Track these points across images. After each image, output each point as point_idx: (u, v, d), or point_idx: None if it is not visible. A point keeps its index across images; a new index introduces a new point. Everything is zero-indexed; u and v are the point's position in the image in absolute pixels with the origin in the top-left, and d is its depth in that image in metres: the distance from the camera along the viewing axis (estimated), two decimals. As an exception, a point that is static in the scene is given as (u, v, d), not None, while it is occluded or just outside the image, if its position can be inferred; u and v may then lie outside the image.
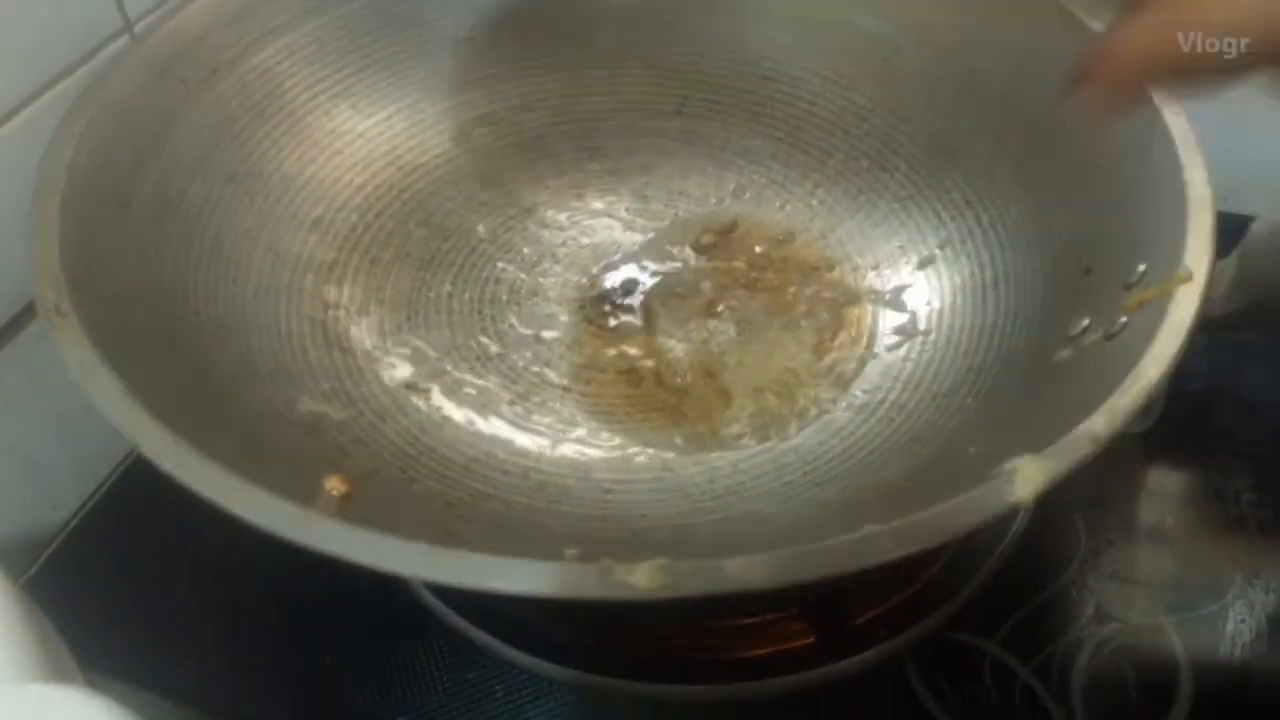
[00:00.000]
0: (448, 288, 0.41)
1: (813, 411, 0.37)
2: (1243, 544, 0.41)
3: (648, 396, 0.38)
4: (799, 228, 0.44)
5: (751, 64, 0.44)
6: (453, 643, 0.38)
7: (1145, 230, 0.32)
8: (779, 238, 0.44)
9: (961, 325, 0.39)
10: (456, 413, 0.37)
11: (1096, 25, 0.33)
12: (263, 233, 0.38)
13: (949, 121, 0.40)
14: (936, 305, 0.40)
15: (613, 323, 0.41)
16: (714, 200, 0.45)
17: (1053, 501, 0.26)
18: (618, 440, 0.37)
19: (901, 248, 0.42)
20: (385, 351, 0.38)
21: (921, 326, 0.39)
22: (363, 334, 0.38)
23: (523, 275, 0.43)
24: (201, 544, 0.38)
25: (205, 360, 0.33)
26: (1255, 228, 0.42)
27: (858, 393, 0.38)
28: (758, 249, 0.43)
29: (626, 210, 0.45)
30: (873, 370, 0.39)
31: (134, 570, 0.41)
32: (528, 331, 0.41)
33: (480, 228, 0.44)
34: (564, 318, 0.41)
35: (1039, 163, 0.36)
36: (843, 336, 0.40)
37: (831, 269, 0.42)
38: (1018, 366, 0.35)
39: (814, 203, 0.44)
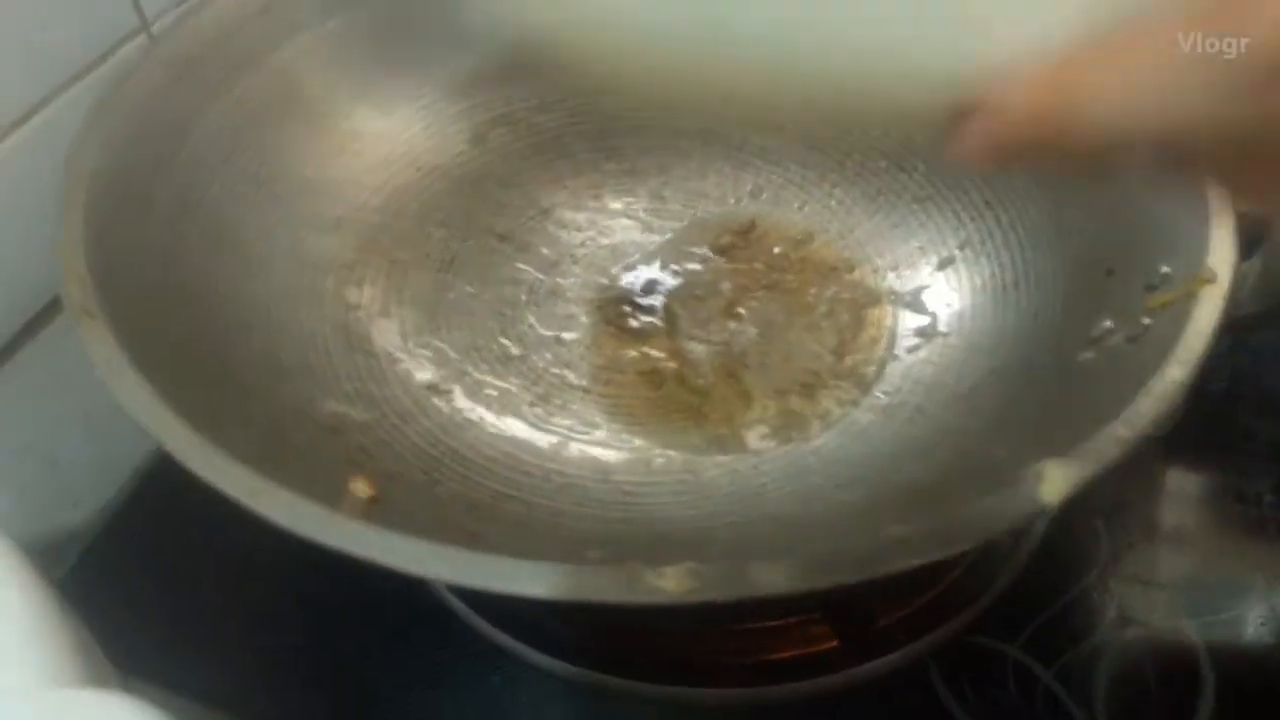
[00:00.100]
0: (468, 289, 0.41)
1: (835, 413, 0.37)
2: (1264, 546, 0.41)
3: (669, 398, 0.38)
4: (817, 228, 0.44)
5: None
6: (476, 646, 0.38)
7: (1168, 231, 0.32)
8: (797, 238, 0.44)
9: (982, 327, 0.38)
10: (478, 414, 0.37)
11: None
12: (284, 233, 0.38)
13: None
14: (956, 307, 0.40)
15: (634, 324, 0.41)
16: (732, 201, 0.45)
17: (1074, 504, 0.26)
18: (639, 442, 0.37)
19: (921, 248, 0.42)
20: (407, 353, 0.38)
21: (942, 328, 0.39)
22: (384, 335, 0.38)
23: (542, 276, 0.43)
24: (226, 544, 0.38)
25: (229, 360, 0.33)
26: (1280, 228, 0.42)
27: (879, 394, 0.38)
28: (776, 250, 0.43)
29: (644, 211, 0.45)
30: (893, 372, 0.39)
31: (161, 571, 0.41)
32: (548, 333, 0.41)
33: (499, 228, 0.44)
34: (584, 319, 0.41)
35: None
36: (863, 338, 0.40)
37: (851, 270, 0.42)
38: (1039, 369, 0.35)
39: (832, 203, 0.44)
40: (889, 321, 0.40)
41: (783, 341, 0.40)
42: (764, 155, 0.45)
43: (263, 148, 0.39)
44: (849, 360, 0.39)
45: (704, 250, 0.44)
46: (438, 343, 0.39)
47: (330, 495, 0.28)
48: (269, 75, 0.39)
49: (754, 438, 0.37)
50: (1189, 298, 0.29)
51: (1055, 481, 0.26)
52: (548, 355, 0.40)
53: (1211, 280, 0.29)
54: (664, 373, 0.39)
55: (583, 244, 0.44)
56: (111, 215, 0.32)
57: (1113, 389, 0.29)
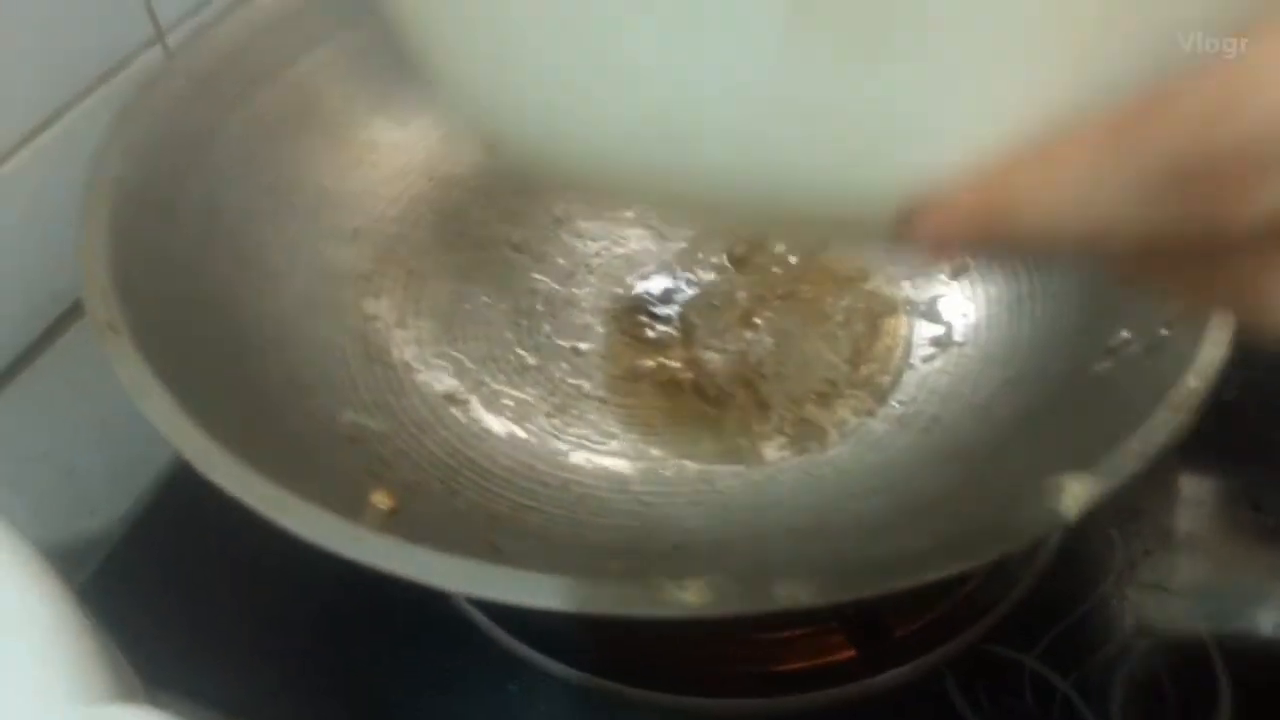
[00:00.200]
0: (484, 299, 0.42)
1: (851, 423, 0.37)
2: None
3: (686, 408, 0.38)
4: (832, 237, 0.44)
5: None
6: (493, 654, 0.38)
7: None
8: (812, 247, 0.44)
9: (998, 337, 0.39)
10: (495, 425, 0.37)
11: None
12: (302, 244, 0.38)
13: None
14: (972, 317, 0.40)
15: (650, 334, 0.41)
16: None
17: (1089, 514, 0.26)
18: (656, 452, 0.37)
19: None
20: (424, 363, 0.39)
21: (957, 338, 0.39)
22: (402, 346, 0.39)
23: (557, 286, 0.43)
24: (244, 552, 0.38)
25: (249, 372, 0.33)
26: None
27: (895, 404, 0.38)
28: (791, 259, 0.43)
29: (658, 219, 0.45)
30: (909, 381, 0.39)
31: (178, 579, 0.41)
32: (564, 343, 0.41)
33: (514, 238, 0.44)
34: (599, 329, 0.41)
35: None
36: (879, 347, 0.40)
37: (866, 279, 0.42)
38: (1056, 379, 0.35)
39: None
40: (904, 331, 0.40)
41: (798, 351, 0.40)
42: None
43: (281, 160, 0.39)
44: (864, 370, 0.39)
45: (719, 259, 0.44)
46: (455, 353, 0.39)
47: (351, 506, 0.28)
48: (287, 88, 0.40)
49: (770, 448, 0.37)
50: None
51: (1075, 495, 0.26)
52: (564, 365, 0.40)
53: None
54: (680, 383, 0.39)
55: (598, 253, 0.44)
56: (134, 228, 0.32)
57: (1130, 400, 0.29)
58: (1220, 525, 0.42)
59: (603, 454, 0.37)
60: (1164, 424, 0.27)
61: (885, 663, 0.36)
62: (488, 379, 0.39)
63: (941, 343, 0.40)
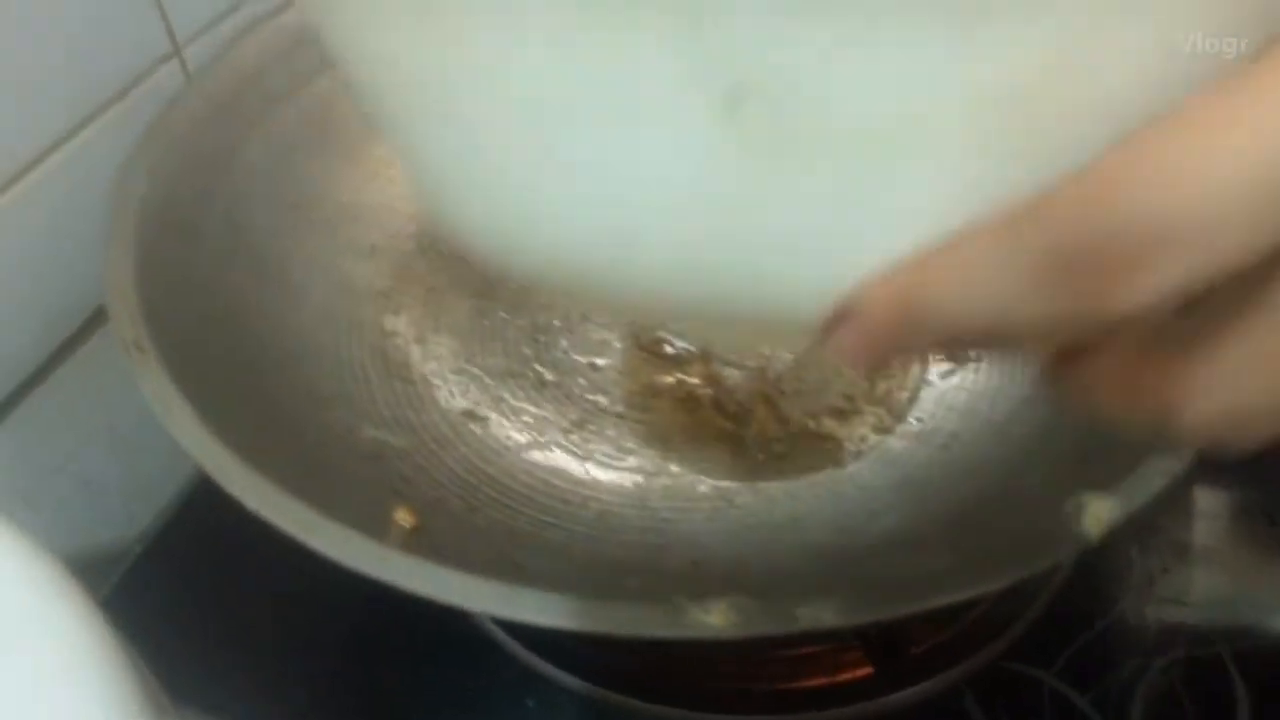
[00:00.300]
0: (502, 314, 0.42)
1: (870, 439, 0.37)
2: (1298, 568, 0.41)
3: (705, 424, 0.38)
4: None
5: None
6: (511, 669, 0.38)
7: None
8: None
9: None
10: (514, 441, 0.37)
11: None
12: (323, 260, 0.39)
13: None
14: (990, 332, 0.40)
15: (669, 349, 0.41)
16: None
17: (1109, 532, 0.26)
18: (674, 468, 0.37)
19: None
20: (443, 379, 0.39)
21: (974, 353, 0.39)
22: (421, 361, 0.39)
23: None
24: (266, 567, 0.38)
25: (271, 388, 0.34)
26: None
27: (912, 421, 0.38)
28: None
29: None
30: (927, 398, 0.39)
31: (198, 594, 0.42)
32: (581, 359, 0.41)
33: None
34: (617, 344, 0.42)
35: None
36: (896, 362, 0.40)
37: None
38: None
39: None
40: (921, 346, 0.40)
41: (818, 366, 0.40)
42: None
43: (300, 177, 0.39)
44: (882, 386, 0.39)
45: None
46: (473, 369, 0.40)
47: (375, 523, 0.28)
48: (304, 107, 0.40)
49: (790, 464, 0.37)
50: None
51: (1097, 516, 0.26)
52: (582, 381, 0.40)
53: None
54: (699, 398, 0.39)
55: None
56: (157, 247, 0.32)
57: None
58: (1236, 539, 0.42)
59: (621, 470, 0.37)
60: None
61: (903, 680, 0.36)
62: (506, 395, 0.39)
63: (959, 358, 0.40)
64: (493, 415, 0.38)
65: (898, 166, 0.13)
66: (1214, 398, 0.14)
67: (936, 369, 0.40)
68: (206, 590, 0.42)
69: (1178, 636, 0.39)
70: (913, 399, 0.39)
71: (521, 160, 0.15)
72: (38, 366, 0.40)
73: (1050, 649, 0.38)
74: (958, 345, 0.15)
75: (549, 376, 0.40)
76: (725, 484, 0.36)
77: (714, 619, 0.24)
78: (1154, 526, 0.42)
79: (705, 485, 0.36)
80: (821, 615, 0.24)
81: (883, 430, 0.38)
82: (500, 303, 0.42)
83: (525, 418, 0.38)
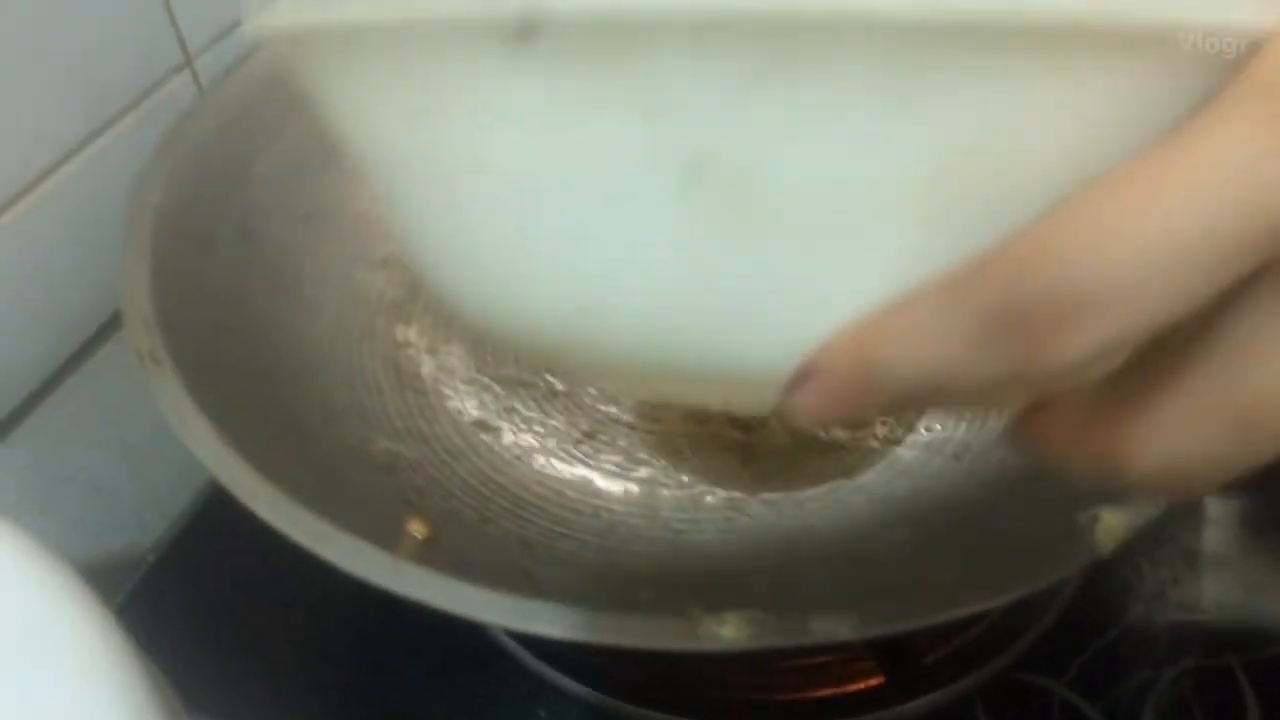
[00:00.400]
0: (513, 324, 0.42)
1: (879, 449, 0.38)
2: (1309, 576, 0.41)
3: (716, 434, 0.38)
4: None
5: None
6: (522, 679, 0.38)
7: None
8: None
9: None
10: (526, 451, 0.37)
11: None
12: (336, 271, 0.39)
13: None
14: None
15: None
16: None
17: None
18: (685, 478, 0.37)
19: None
20: (455, 390, 0.39)
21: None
22: (433, 372, 0.39)
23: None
24: (280, 576, 0.39)
25: (285, 400, 0.34)
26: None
27: (923, 431, 0.38)
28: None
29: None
30: (937, 407, 0.39)
31: (211, 603, 0.42)
32: (591, 367, 0.41)
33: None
34: (627, 354, 0.42)
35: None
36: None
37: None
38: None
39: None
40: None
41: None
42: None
43: (313, 188, 0.39)
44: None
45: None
46: (485, 379, 0.40)
47: (388, 535, 0.28)
48: (317, 119, 0.40)
49: (800, 475, 0.37)
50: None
51: (1111, 530, 0.26)
52: (592, 391, 0.40)
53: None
54: (709, 409, 0.40)
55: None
56: (172, 258, 0.33)
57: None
58: (1247, 547, 0.42)
59: (632, 480, 0.37)
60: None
61: (914, 690, 0.36)
62: (518, 405, 0.39)
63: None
64: (504, 425, 0.38)
65: (849, 234, 0.14)
66: (1157, 450, 0.15)
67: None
68: (219, 599, 0.42)
69: (1188, 646, 0.39)
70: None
71: (497, 232, 0.16)
72: (50, 375, 0.40)
73: (1061, 659, 0.38)
74: (916, 404, 0.15)
75: (560, 386, 0.40)
76: (736, 494, 0.37)
77: (728, 631, 0.24)
78: (1164, 535, 0.42)
79: (716, 495, 0.36)
80: (836, 628, 0.24)
81: (893, 440, 0.38)
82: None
83: (536, 428, 0.38)
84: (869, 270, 0.14)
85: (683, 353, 0.16)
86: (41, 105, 0.37)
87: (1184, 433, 0.14)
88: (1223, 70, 0.13)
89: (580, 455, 0.38)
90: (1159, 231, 0.12)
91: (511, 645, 0.38)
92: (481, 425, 0.38)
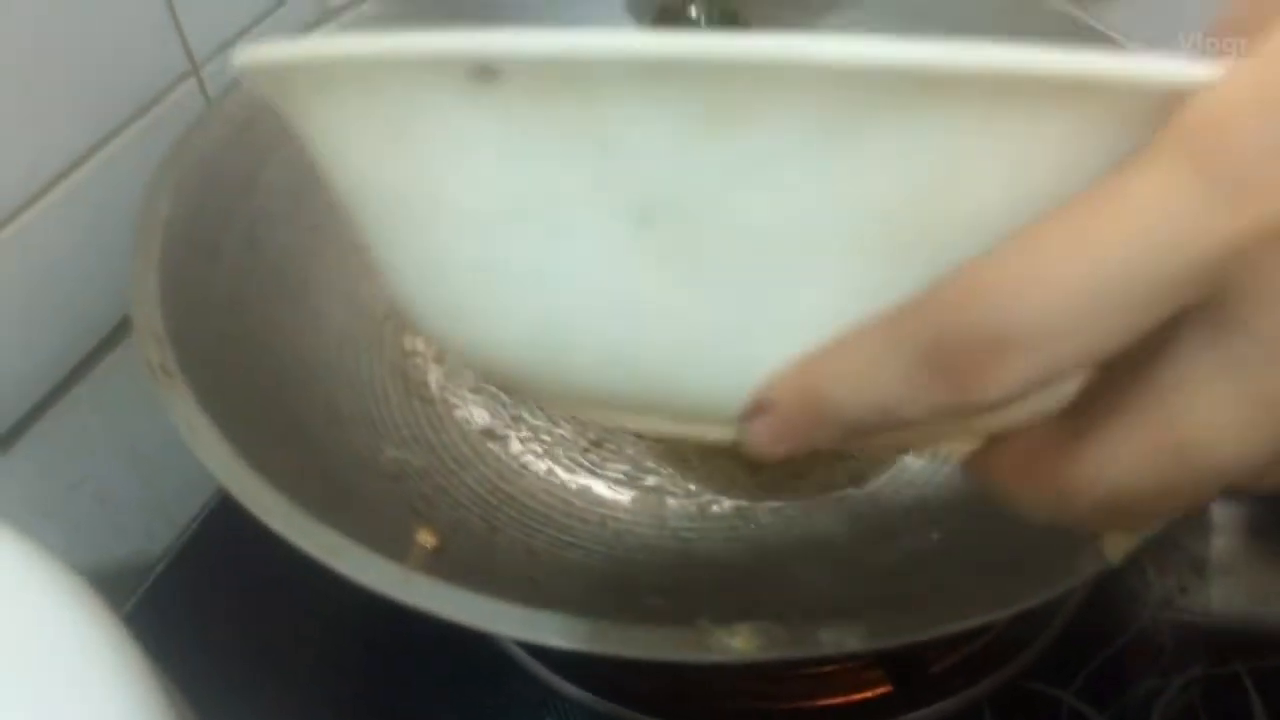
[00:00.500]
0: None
1: (886, 458, 0.38)
2: (1316, 581, 0.41)
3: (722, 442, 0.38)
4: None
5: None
6: (531, 687, 0.38)
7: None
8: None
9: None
10: (533, 461, 0.38)
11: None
12: (343, 281, 0.39)
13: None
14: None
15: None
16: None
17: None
18: (692, 487, 0.37)
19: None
20: (462, 399, 0.39)
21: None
22: (440, 381, 0.39)
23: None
24: (289, 585, 0.39)
25: (293, 409, 0.34)
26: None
27: (928, 441, 0.38)
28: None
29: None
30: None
31: (222, 612, 0.42)
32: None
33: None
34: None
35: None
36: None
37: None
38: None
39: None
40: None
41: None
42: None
43: (320, 196, 0.39)
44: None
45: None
46: (492, 388, 0.40)
47: (397, 545, 0.28)
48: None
49: (808, 483, 0.37)
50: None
51: (1118, 541, 0.26)
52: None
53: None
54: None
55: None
56: (181, 269, 0.33)
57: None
58: (1254, 554, 0.42)
59: (639, 489, 0.37)
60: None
61: (922, 699, 0.36)
62: (525, 414, 0.39)
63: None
64: (512, 434, 0.38)
65: (795, 273, 0.15)
66: (1103, 483, 0.15)
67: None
68: (228, 607, 0.42)
69: (1195, 654, 0.39)
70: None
71: (462, 264, 0.17)
72: (57, 383, 0.40)
73: (1069, 668, 0.38)
74: (864, 435, 0.16)
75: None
76: (743, 503, 0.37)
77: (738, 642, 0.24)
78: (1171, 544, 0.42)
79: (723, 504, 0.37)
80: (845, 639, 0.24)
81: (899, 450, 0.38)
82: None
83: (544, 436, 0.38)
84: (815, 308, 0.15)
85: (639, 385, 0.17)
86: (48, 114, 0.37)
87: (1128, 466, 0.15)
88: (1149, 123, 0.13)
89: (587, 464, 0.38)
90: (1081, 276, 0.13)
91: (520, 654, 0.38)
92: (489, 434, 0.38)
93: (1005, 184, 0.14)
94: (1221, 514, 0.44)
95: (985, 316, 0.14)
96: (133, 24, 0.40)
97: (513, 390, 0.19)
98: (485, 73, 0.14)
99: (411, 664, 0.39)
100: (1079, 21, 0.40)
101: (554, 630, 0.24)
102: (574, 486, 0.37)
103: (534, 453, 0.38)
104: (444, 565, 0.30)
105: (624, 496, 0.37)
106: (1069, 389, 0.16)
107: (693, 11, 0.42)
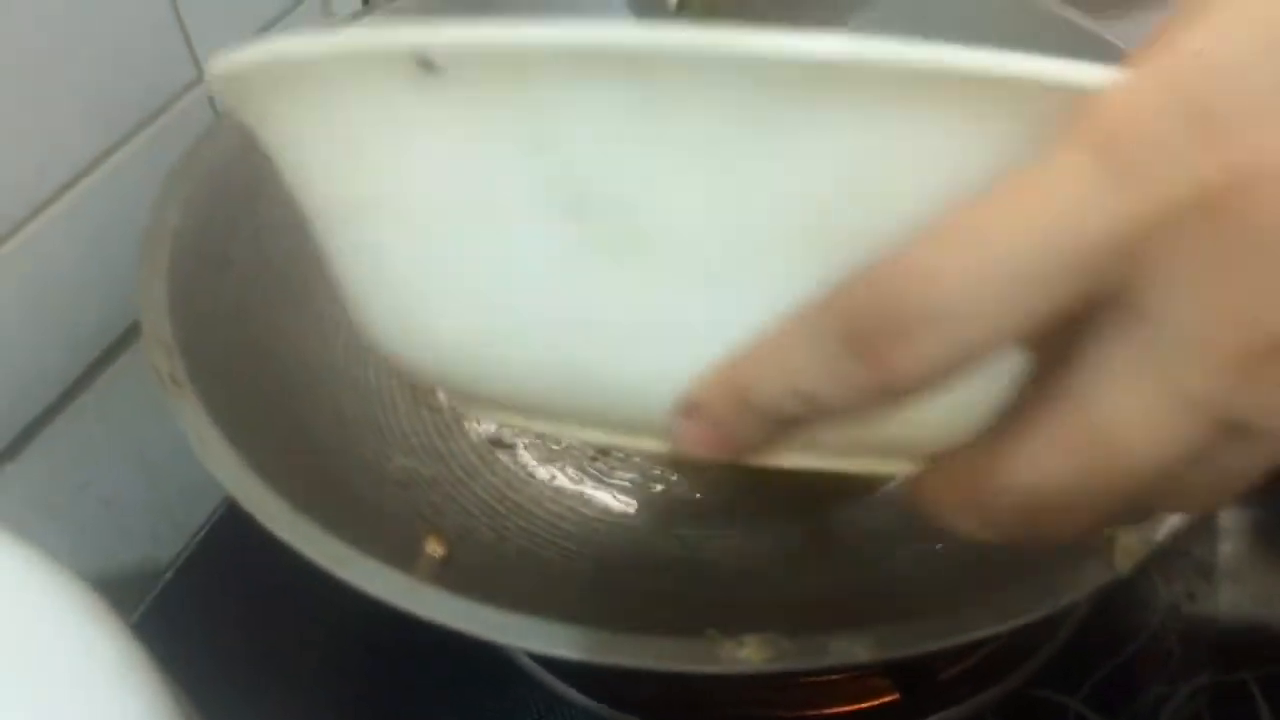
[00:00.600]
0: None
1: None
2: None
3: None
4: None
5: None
6: (538, 694, 0.38)
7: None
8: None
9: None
10: (541, 470, 0.38)
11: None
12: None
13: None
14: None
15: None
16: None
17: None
18: (699, 496, 0.37)
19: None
20: (470, 406, 0.39)
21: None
22: (448, 389, 0.39)
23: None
24: (297, 592, 0.38)
25: (301, 418, 0.34)
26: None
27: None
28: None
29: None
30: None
31: (230, 619, 0.42)
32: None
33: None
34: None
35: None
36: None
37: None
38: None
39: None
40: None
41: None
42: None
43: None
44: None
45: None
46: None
47: (406, 554, 0.29)
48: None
49: (818, 489, 0.37)
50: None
51: (1128, 550, 0.26)
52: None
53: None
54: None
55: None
56: (189, 279, 0.33)
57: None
58: (1260, 560, 0.42)
59: (647, 497, 0.37)
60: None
61: (929, 706, 0.36)
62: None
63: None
64: (520, 443, 0.38)
65: (729, 269, 0.15)
66: (1020, 485, 0.16)
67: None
68: (236, 614, 0.42)
69: (1203, 662, 0.39)
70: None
71: (406, 260, 0.17)
72: (65, 390, 0.40)
73: (1076, 675, 0.38)
74: (795, 428, 0.16)
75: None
76: (752, 511, 0.37)
77: (747, 653, 0.24)
78: (1179, 551, 0.42)
79: (733, 512, 0.37)
80: (854, 650, 0.24)
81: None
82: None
83: (552, 444, 0.38)
84: (749, 306, 0.15)
85: (579, 389, 0.17)
86: (56, 122, 0.37)
87: (1047, 465, 0.15)
88: (1060, 124, 0.14)
89: (595, 472, 0.38)
90: (984, 258, 0.14)
91: (525, 661, 0.38)
92: (497, 442, 0.38)
93: (927, 182, 0.14)
94: (1229, 520, 0.44)
95: (897, 299, 0.14)
96: (140, 33, 0.40)
97: (460, 396, 0.19)
98: (427, 66, 0.14)
99: (417, 670, 0.39)
100: (1089, 33, 0.40)
101: (563, 641, 0.24)
102: (582, 495, 0.37)
103: (542, 461, 0.38)
104: (452, 574, 0.30)
105: (631, 505, 0.37)
106: (997, 400, 0.16)
107: (671, 2, 0.42)
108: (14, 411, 0.38)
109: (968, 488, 0.16)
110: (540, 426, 0.21)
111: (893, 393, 0.15)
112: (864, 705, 0.36)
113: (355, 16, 0.46)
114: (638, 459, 0.38)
